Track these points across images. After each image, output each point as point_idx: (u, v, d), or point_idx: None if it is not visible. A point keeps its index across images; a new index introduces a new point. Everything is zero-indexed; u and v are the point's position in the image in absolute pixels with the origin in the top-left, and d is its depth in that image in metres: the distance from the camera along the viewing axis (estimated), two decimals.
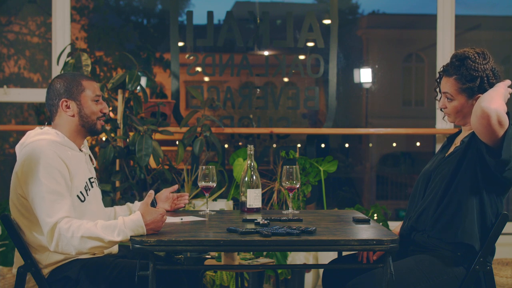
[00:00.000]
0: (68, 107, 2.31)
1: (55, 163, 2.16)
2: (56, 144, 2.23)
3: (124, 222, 2.06)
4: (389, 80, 5.35)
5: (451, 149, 2.40)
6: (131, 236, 2.02)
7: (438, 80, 2.43)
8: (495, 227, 2.21)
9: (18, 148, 2.29)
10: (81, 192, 2.28)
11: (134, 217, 2.07)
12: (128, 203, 2.62)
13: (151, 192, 2.16)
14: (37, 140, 2.23)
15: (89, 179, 2.36)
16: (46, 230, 2.09)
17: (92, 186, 2.36)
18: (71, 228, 2.07)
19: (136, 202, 2.60)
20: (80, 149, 2.37)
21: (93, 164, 2.47)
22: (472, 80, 2.27)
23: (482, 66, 2.26)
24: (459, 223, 2.21)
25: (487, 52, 2.30)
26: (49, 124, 2.39)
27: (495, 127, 2.08)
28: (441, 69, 2.38)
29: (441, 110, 2.43)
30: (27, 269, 2.20)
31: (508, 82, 2.25)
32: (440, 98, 2.41)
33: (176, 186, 2.61)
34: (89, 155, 2.46)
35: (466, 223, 2.20)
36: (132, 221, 2.06)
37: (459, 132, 2.47)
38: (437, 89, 2.46)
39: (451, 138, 2.49)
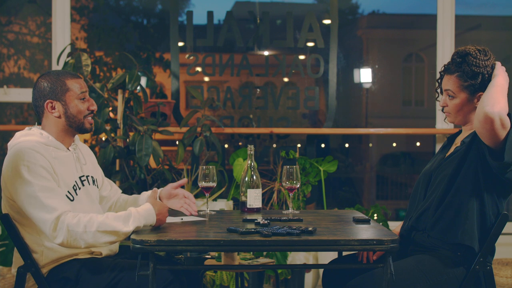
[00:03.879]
0: (54, 108, 2.28)
1: (39, 161, 2.15)
2: (40, 144, 2.21)
3: (137, 211, 2.14)
4: (389, 80, 5.35)
5: (451, 150, 2.40)
6: (131, 237, 2.01)
7: (439, 80, 2.43)
8: (495, 227, 2.21)
9: (8, 149, 2.29)
10: (69, 191, 2.26)
11: (145, 207, 2.17)
12: (135, 195, 2.59)
13: (155, 189, 2.32)
14: (21, 141, 2.21)
15: (80, 177, 2.34)
16: (48, 226, 2.08)
17: (83, 185, 2.33)
18: (81, 222, 2.08)
19: (144, 193, 2.57)
20: (68, 149, 2.35)
21: (85, 163, 2.43)
22: (473, 77, 2.26)
23: (483, 62, 2.26)
24: (460, 225, 2.21)
25: (488, 50, 2.30)
26: (39, 124, 2.38)
27: (499, 130, 2.08)
28: (442, 68, 2.38)
29: (442, 111, 2.43)
30: (27, 269, 2.20)
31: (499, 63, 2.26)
32: (440, 98, 2.41)
33: (185, 180, 2.52)
34: (81, 153, 2.43)
35: (467, 225, 2.20)
36: (144, 210, 2.15)
37: (459, 132, 2.46)
38: (438, 90, 2.46)
39: (451, 138, 2.48)
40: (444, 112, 2.42)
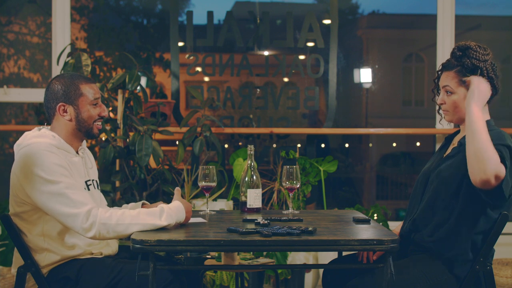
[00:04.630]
0: (65, 111, 2.28)
1: (56, 161, 2.16)
2: (52, 147, 2.21)
3: (169, 208, 2.16)
4: (389, 80, 5.35)
5: (449, 150, 2.39)
6: (131, 237, 2.01)
7: (436, 80, 2.43)
8: (495, 227, 2.21)
9: (15, 148, 2.28)
10: None
11: (175, 204, 2.19)
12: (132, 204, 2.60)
13: (178, 188, 2.31)
14: (34, 142, 2.21)
15: (86, 182, 2.34)
16: (80, 220, 2.08)
17: (89, 189, 2.34)
18: (113, 216, 2.09)
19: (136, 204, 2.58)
20: (77, 152, 2.36)
21: (91, 166, 2.45)
22: (473, 71, 2.26)
23: (483, 57, 2.26)
24: (455, 245, 2.21)
25: (488, 47, 2.31)
26: (49, 124, 2.38)
27: (494, 184, 2.08)
28: (440, 67, 2.38)
29: (438, 112, 2.43)
30: (27, 269, 2.20)
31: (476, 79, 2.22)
32: (437, 98, 2.41)
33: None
34: (88, 157, 2.45)
35: (461, 247, 2.21)
36: (175, 207, 2.18)
37: (457, 132, 2.46)
38: (435, 90, 2.46)
39: (449, 138, 2.48)
40: (439, 113, 2.42)
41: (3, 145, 5.15)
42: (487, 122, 2.27)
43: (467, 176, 2.17)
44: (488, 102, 2.32)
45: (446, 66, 2.34)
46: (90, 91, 2.31)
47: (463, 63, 2.27)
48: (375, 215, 4.00)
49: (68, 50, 4.12)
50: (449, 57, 2.35)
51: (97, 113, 2.33)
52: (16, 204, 2.22)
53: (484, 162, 2.05)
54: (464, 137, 2.30)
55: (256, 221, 2.27)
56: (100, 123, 2.36)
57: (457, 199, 2.22)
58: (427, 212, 2.29)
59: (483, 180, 2.05)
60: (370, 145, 5.71)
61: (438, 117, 4.33)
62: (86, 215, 2.08)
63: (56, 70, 4.12)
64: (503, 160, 2.09)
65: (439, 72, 2.39)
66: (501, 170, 2.06)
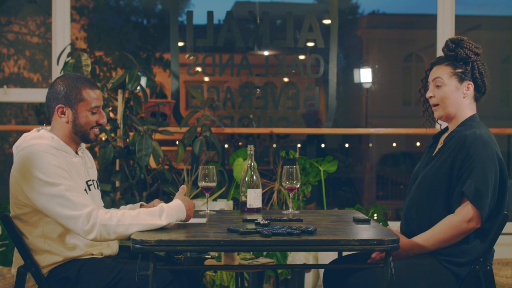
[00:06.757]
0: (63, 113, 2.27)
1: (56, 163, 2.15)
2: (52, 148, 2.21)
3: (169, 207, 2.15)
4: (389, 80, 5.35)
5: (437, 150, 2.40)
6: (131, 237, 2.01)
7: (423, 80, 2.45)
8: (495, 228, 2.21)
9: (14, 150, 2.27)
10: None
11: (176, 202, 2.19)
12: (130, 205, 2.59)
13: (183, 186, 2.30)
14: (33, 144, 2.20)
15: (87, 182, 2.34)
16: (81, 222, 2.08)
17: (89, 189, 2.34)
18: (113, 217, 2.09)
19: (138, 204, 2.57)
20: (76, 152, 2.35)
21: (91, 166, 2.44)
22: (465, 63, 2.29)
23: (476, 49, 2.31)
24: (454, 244, 2.23)
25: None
26: (49, 122, 2.37)
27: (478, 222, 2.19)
28: (429, 65, 2.40)
29: (423, 113, 2.44)
30: (27, 269, 2.20)
31: None
32: (424, 99, 2.43)
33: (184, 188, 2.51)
34: (87, 157, 2.44)
35: (462, 248, 2.23)
36: (175, 206, 2.17)
37: (446, 129, 2.47)
38: (422, 90, 2.47)
39: (436, 136, 2.50)
40: (424, 115, 2.44)
41: (3, 145, 5.15)
42: (472, 116, 2.31)
43: (450, 179, 2.21)
44: (477, 101, 2.36)
45: (436, 62, 2.37)
46: (92, 96, 2.29)
47: (457, 54, 2.30)
48: (375, 215, 4.00)
49: (68, 50, 4.12)
50: (444, 47, 2.37)
51: (95, 120, 2.31)
52: (16, 207, 2.22)
53: (459, 237, 2.20)
54: (448, 136, 2.31)
55: (256, 221, 2.27)
56: (97, 129, 2.34)
57: (447, 201, 2.23)
58: (418, 214, 2.30)
59: (470, 229, 2.17)
60: (370, 145, 5.71)
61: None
62: (87, 216, 2.08)
63: (56, 70, 4.12)
64: (475, 197, 2.15)
65: (428, 71, 2.41)
66: (471, 223, 2.16)
